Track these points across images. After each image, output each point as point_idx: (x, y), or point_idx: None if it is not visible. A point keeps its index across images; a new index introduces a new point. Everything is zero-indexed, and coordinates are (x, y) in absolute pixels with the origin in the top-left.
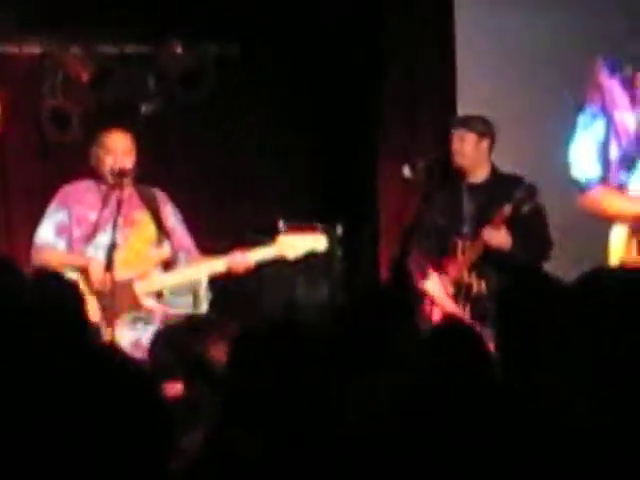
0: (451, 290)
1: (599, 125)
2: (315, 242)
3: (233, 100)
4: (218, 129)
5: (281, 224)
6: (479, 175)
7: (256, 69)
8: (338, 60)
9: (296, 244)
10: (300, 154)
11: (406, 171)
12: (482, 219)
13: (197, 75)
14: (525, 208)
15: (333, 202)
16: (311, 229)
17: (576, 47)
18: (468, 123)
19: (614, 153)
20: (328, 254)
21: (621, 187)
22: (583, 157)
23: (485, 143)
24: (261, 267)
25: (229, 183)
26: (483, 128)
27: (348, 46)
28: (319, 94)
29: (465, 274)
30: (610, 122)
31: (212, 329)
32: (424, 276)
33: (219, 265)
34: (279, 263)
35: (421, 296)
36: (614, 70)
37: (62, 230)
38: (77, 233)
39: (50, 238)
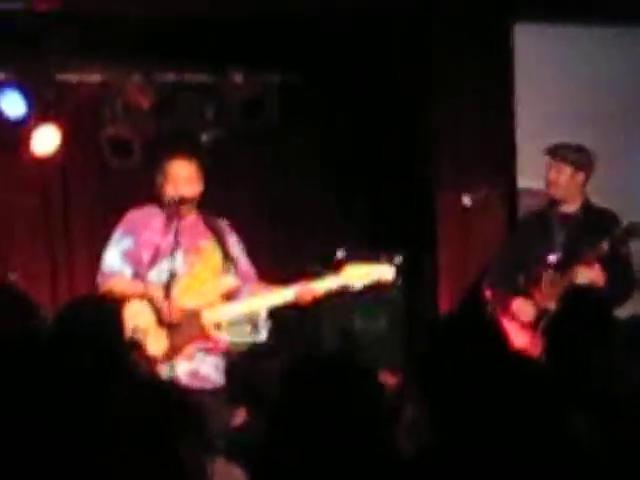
0: (532, 318)
1: None
2: (382, 272)
3: (294, 129)
4: (279, 158)
5: (340, 254)
6: (571, 205)
7: (318, 98)
8: (396, 89)
9: (363, 274)
10: (360, 184)
11: (466, 200)
12: (573, 250)
13: (258, 104)
14: (624, 248)
15: (392, 232)
16: (376, 259)
17: None
18: (566, 154)
19: None
20: (388, 284)
21: None
22: None
23: (581, 175)
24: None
25: (289, 213)
26: (581, 160)
27: (405, 78)
28: (379, 123)
29: (551, 305)
30: None
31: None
32: (503, 306)
33: (288, 295)
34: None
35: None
36: None
37: (128, 256)
38: (143, 257)
39: (116, 265)
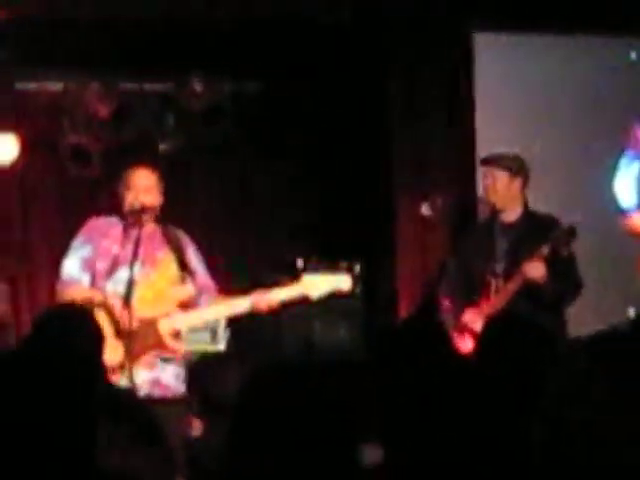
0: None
1: (635, 166)
2: (339, 282)
3: (253, 138)
4: (236, 167)
5: (299, 262)
6: (512, 214)
7: (276, 108)
8: (354, 100)
9: (320, 284)
10: (317, 192)
11: (425, 209)
12: (515, 258)
13: (217, 113)
14: (564, 250)
15: (350, 240)
16: (334, 268)
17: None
18: (500, 161)
19: None
20: (347, 293)
21: None
22: (624, 190)
23: (517, 182)
24: (283, 306)
25: (246, 220)
26: (516, 166)
27: (363, 88)
28: (336, 131)
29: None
30: None
31: (230, 368)
32: (455, 314)
33: (243, 304)
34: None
35: (450, 333)
36: None
37: (87, 265)
38: (100, 267)
39: (75, 273)
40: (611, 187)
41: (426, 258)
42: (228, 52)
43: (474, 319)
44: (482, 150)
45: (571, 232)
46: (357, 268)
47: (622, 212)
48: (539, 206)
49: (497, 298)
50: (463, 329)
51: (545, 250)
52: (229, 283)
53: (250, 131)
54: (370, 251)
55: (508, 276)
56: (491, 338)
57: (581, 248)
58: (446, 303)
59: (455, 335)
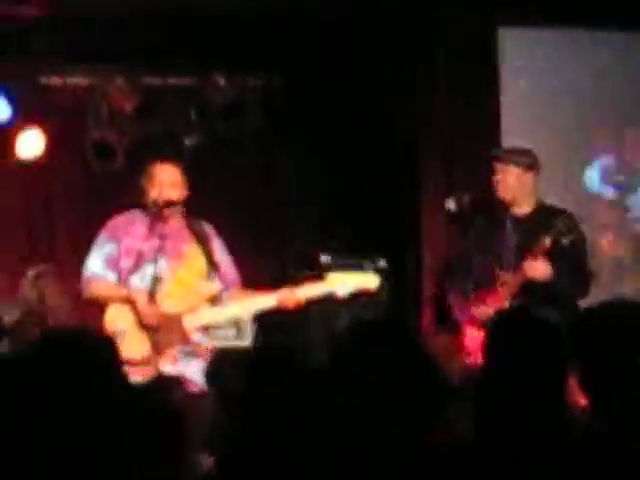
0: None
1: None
2: (366, 280)
3: (276, 133)
4: (261, 161)
5: (323, 258)
6: (524, 207)
7: (300, 102)
8: (382, 93)
9: (347, 282)
10: (343, 187)
11: (450, 204)
12: (524, 251)
13: (240, 107)
14: (565, 240)
15: (377, 236)
16: (360, 262)
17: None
18: (512, 156)
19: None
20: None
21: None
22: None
23: (529, 176)
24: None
25: (271, 216)
26: (527, 161)
27: (393, 82)
28: (363, 127)
29: (506, 305)
30: None
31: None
32: (465, 309)
33: (270, 301)
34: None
35: (462, 327)
36: None
37: (111, 262)
38: (126, 264)
39: (99, 270)
40: None
41: (451, 253)
42: (251, 46)
43: (483, 312)
44: (507, 145)
45: (571, 221)
46: (383, 262)
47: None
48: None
49: (504, 291)
50: (473, 322)
51: (547, 242)
52: (254, 278)
53: (273, 125)
54: (397, 245)
55: (516, 269)
56: (495, 335)
57: None
58: (450, 297)
59: (466, 328)
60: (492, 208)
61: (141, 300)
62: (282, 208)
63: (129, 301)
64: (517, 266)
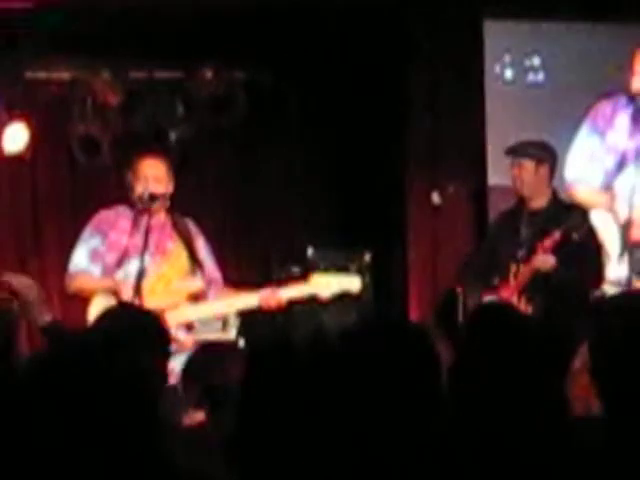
0: None
1: (591, 140)
2: (349, 283)
3: (262, 127)
4: (247, 156)
5: (310, 252)
6: (540, 201)
7: (286, 96)
8: (367, 88)
9: (330, 284)
10: (329, 181)
11: (435, 197)
12: (536, 245)
13: (227, 101)
14: (575, 235)
15: (361, 229)
16: (346, 256)
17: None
18: (526, 150)
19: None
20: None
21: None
22: (574, 162)
23: (544, 169)
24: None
25: (257, 210)
26: (542, 154)
27: (377, 76)
28: (348, 121)
29: (515, 298)
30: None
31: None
32: (474, 298)
33: (251, 300)
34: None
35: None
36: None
37: (96, 256)
38: (110, 259)
39: (84, 264)
40: None
41: (437, 247)
42: (238, 40)
43: None
44: (493, 139)
45: (582, 216)
46: (368, 257)
47: (565, 183)
48: None
49: (515, 283)
50: None
51: (556, 236)
52: (240, 273)
53: (261, 119)
54: (382, 240)
55: (526, 261)
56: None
57: None
58: (459, 290)
59: None
60: (478, 201)
61: (126, 293)
62: (268, 202)
63: (114, 292)
64: (528, 259)
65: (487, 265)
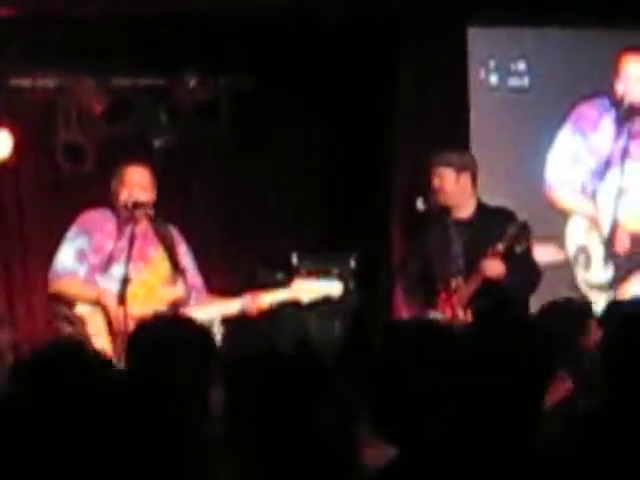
0: None
1: (573, 142)
2: (330, 288)
3: (247, 134)
4: (231, 162)
5: (294, 257)
6: (465, 210)
7: (271, 102)
8: (351, 94)
9: (311, 289)
10: (314, 186)
11: (419, 204)
12: (473, 256)
13: (211, 108)
14: (518, 248)
15: (346, 235)
16: (330, 261)
17: None
18: (446, 159)
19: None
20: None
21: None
22: (555, 164)
23: (465, 177)
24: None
25: (242, 216)
26: (461, 162)
27: (362, 82)
28: (333, 127)
29: (460, 312)
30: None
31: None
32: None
33: (233, 307)
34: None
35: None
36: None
37: (82, 256)
38: (94, 260)
39: (69, 264)
40: None
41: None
42: (222, 47)
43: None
44: (477, 144)
45: (525, 228)
46: (353, 262)
47: (546, 185)
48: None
49: (457, 297)
50: None
51: (501, 247)
52: (226, 279)
53: (244, 126)
54: (367, 245)
55: (467, 274)
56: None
57: None
58: (401, 302)
59: None
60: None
61: (112, 304)
62: (253, 209)
63: (97, 302)
64: (466, 272)
65: (423, 277)
